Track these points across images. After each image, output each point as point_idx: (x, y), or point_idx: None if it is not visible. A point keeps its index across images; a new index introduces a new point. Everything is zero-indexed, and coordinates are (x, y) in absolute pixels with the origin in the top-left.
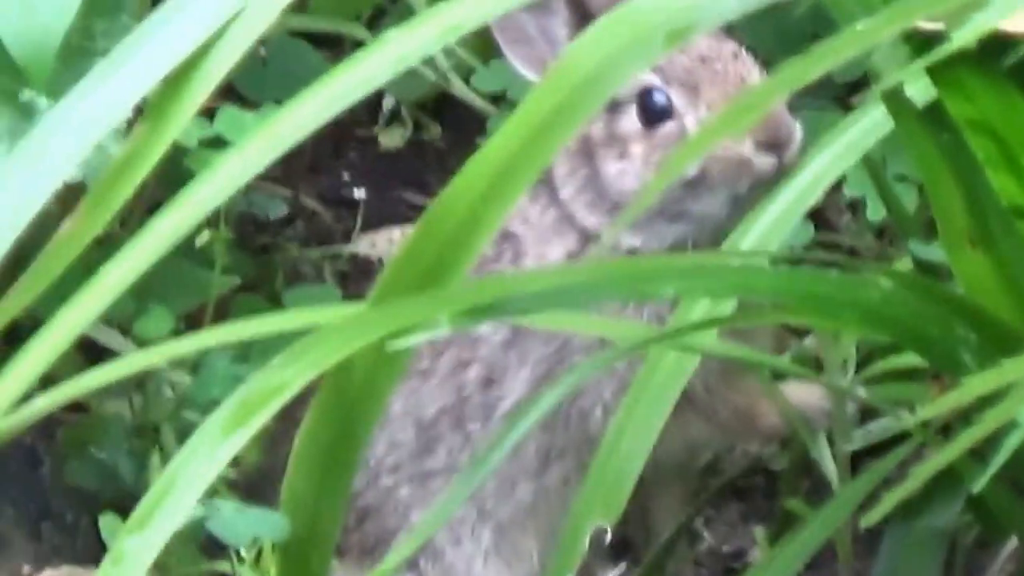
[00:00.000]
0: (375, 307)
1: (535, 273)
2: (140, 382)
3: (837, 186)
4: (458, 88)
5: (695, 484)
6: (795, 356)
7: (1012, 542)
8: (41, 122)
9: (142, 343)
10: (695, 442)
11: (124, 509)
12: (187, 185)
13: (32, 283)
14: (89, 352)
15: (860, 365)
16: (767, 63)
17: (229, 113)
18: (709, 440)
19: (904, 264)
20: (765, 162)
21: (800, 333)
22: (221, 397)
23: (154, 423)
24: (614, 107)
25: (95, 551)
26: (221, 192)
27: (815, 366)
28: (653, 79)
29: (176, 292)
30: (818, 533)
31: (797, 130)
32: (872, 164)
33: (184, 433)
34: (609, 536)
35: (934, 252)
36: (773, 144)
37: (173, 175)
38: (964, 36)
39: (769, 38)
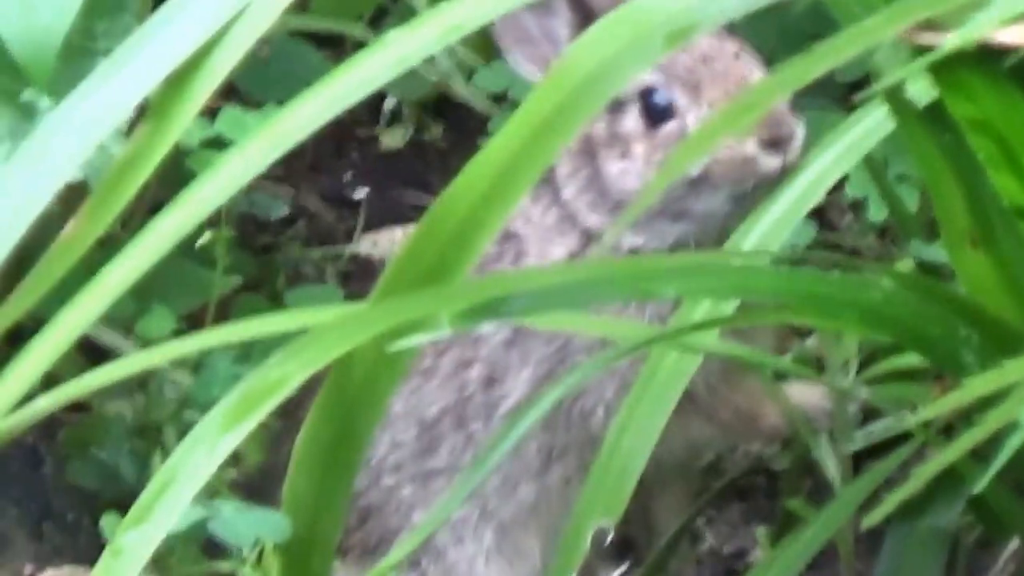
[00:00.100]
0: (375, 305)
1: (537, 273)
2: (142, 382)
3: (839, 186)
4: (460, 88)
5: (697, 484)
6: (797, 356)
7: (1014, 542)
8: (43, 123)
9: (144, 343)
10: (697, 442)
11: (125, 509)
12: (189, 185)
13: (35, 286)
14: (91, 352)
15: (862, 365)
16: (768, 63)
17: (231, 113)
18: (711, 440)
19: (906, 264)
20: (770, 161)
21: (802, 333)
22: (222, 397)
23: (156, 423)
24: (616, 107)
25: (96, 551)
26: (223, 192)
27: (817, 366)
28: (655, 79)
29: (178, 292)
30: (820, 533)
31: (800, 128)
32: (874, 164)
33: (185, 433)
34: (611, 536)
35: (936, 252)
36: (777, 143)
37: (175, 175)
38: (964, 36)
39: (770, 38)
